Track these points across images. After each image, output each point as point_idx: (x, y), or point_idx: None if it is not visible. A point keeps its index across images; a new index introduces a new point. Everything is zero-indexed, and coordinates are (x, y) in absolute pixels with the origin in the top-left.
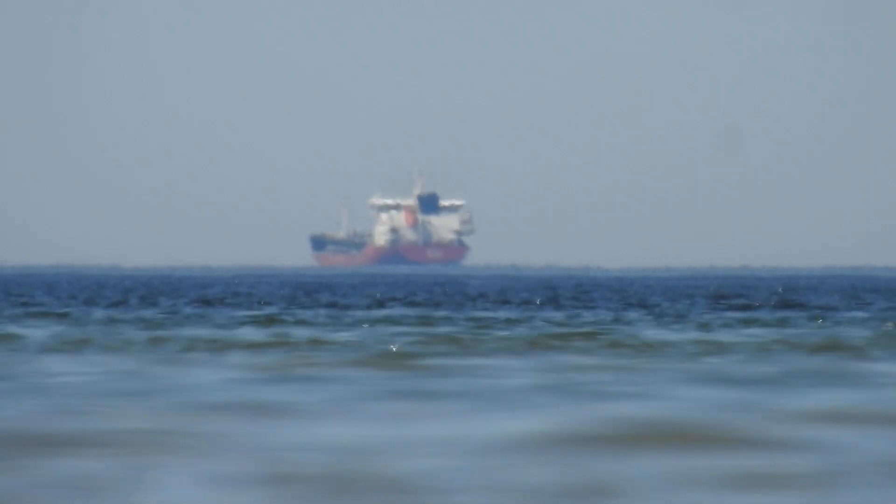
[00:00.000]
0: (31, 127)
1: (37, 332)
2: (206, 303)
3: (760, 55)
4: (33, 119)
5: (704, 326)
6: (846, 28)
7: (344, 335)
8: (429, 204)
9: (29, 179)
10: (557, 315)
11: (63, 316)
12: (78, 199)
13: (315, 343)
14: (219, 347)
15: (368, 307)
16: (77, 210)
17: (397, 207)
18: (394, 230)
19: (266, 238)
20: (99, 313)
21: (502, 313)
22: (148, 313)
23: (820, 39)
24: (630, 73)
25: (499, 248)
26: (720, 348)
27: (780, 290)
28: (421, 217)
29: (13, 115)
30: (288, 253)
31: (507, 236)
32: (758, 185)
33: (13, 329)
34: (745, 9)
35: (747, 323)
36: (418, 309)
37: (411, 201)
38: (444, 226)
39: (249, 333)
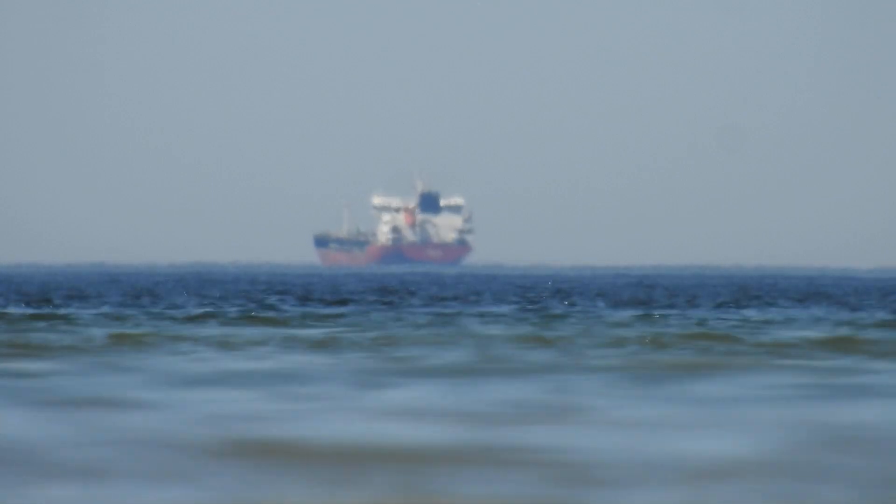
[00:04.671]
0: (35, 126)
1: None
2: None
3: (760, 55)
4: (36, 118)
5: None
6: (847, 27)
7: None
8: (430, 203)
9: (32, 179)
10: None
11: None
12: (82, 198)
13: None
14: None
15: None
16: (81, 208)
17: (398, 208)
18: (395, 229)
19: (270, 236)
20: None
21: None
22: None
23: (820, 38)
24: (630, 73)
25: (499, 248)
26: None
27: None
28: (421, 216)
29: (13, 114)
30: (291, 251)
31: (508, 236)
32: (759, 184)
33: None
34: (745, 9)
35: None
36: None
37: (412, 201)
38: (444, 225)
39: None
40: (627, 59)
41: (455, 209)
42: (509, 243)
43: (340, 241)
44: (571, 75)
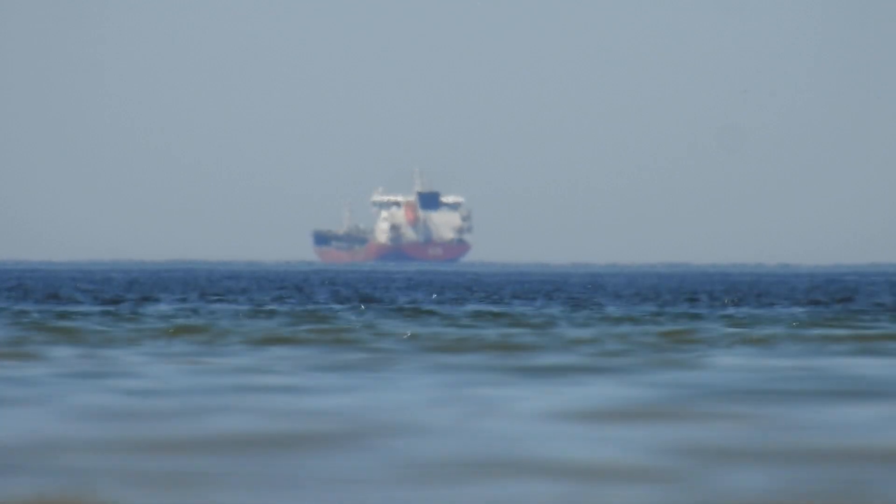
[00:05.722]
0: (35, 126)
1: None
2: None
3: (760, 55)
4: (36, 118)
5: None
6: (847, 27)
7: None
8: (429, 201)
9: (32, 179)
10: None
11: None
12: (82, 198)
13: None
14: None
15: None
16: (81, 208)
17: (398, 204)
18: (394, 227)
19: (270, 234)
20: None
21: None
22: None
23: (820, 38)
24: (631, 72)
25: (499, 246)
26: None
27: None
28: (421, 214)
29: (13, 114)
30: (292, 250)
31: (508, 234)
32: (759, 184)
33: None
34: (745, 9)
35: None
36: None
37: (412, 198)
38: (444, 223)
39: None
40: (627, 59)
41: (454, 207)
42: (508, 242)
43: (340, 239)
44: (571, 75)
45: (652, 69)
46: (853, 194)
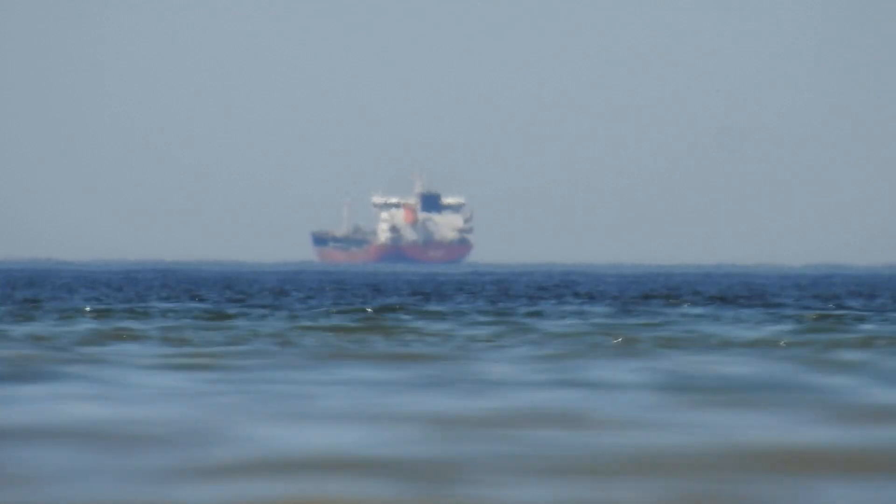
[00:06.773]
0: (35, 126)
1: None
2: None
3: (760, 55)
4: (36, 118)
5: None
6: (847, 27)
7: None
8: (430, 202)
9: (32, 179)
10: None
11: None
12: (82, 198)
13: None
14: None
15: None
16: (81, 208)
17: (398, 206)
18: (394, 228)
19: (269, 234)
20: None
21: None
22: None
23: (820, 38)
24: (630, 73)
25: (499, 247)
26: None
27: None
28: (421, 215)
29: (13, 114)
30: (290, 250)
31: (509, 235)
32: (759, 184)
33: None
34: (745, 9)
35: None
36: None
37: (412, 200)
38: (445, 224)
39: None
40: (627, 59)
41: (455, 208)
42: (509, 243)
43: (338, 240)
44: (571, 75)
45: (652, 69)
46: (853, 194)
